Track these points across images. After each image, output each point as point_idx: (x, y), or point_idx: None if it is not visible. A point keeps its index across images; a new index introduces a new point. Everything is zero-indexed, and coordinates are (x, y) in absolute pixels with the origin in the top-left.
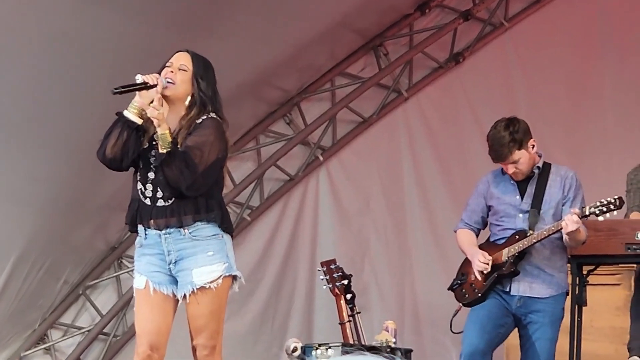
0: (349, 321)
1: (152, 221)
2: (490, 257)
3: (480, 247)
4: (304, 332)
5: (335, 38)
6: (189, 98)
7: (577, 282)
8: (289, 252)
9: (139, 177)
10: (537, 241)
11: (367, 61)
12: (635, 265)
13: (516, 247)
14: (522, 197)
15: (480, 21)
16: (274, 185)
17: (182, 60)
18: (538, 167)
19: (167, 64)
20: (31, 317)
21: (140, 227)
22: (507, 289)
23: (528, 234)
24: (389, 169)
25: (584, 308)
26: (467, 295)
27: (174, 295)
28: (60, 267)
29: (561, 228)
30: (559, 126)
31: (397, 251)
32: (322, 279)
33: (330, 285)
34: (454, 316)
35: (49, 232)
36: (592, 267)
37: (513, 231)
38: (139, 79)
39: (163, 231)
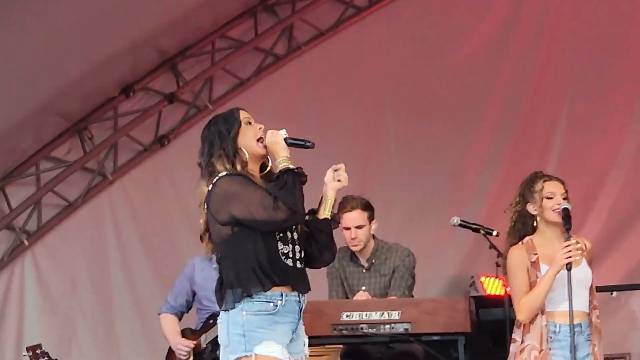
0: None
1: (293, 285)
2: (192, 344)
3: (183, 332)
4: None
5: (40, 121)
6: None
7: None
8: None
9: (278, 237)
10: None
11: (72, 144)
12: (341, 345)
13: (212, 333)
14: None
15: (185, 104)
16: None
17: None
18: None
19: (251, 122)
20: None
21: (280, 291)
22: None
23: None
24: (95, 251)
25: None
26: None
27: None
28: None
29: None
30: None
31: (104, 332)
32: None
33: None
34: None
35: None
36: None
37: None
38: (284, 133)
39: (303, 297)
